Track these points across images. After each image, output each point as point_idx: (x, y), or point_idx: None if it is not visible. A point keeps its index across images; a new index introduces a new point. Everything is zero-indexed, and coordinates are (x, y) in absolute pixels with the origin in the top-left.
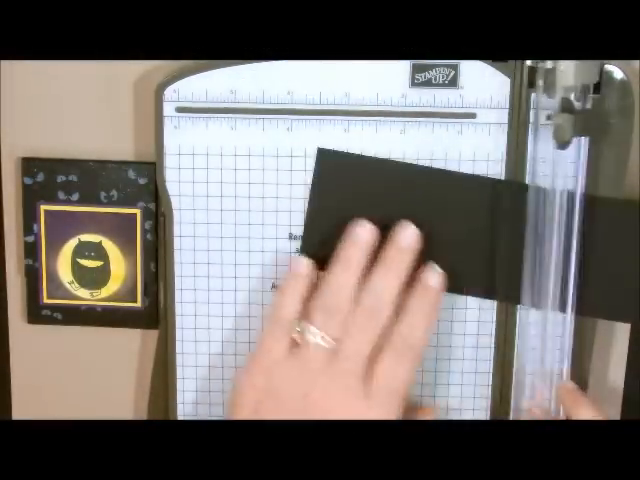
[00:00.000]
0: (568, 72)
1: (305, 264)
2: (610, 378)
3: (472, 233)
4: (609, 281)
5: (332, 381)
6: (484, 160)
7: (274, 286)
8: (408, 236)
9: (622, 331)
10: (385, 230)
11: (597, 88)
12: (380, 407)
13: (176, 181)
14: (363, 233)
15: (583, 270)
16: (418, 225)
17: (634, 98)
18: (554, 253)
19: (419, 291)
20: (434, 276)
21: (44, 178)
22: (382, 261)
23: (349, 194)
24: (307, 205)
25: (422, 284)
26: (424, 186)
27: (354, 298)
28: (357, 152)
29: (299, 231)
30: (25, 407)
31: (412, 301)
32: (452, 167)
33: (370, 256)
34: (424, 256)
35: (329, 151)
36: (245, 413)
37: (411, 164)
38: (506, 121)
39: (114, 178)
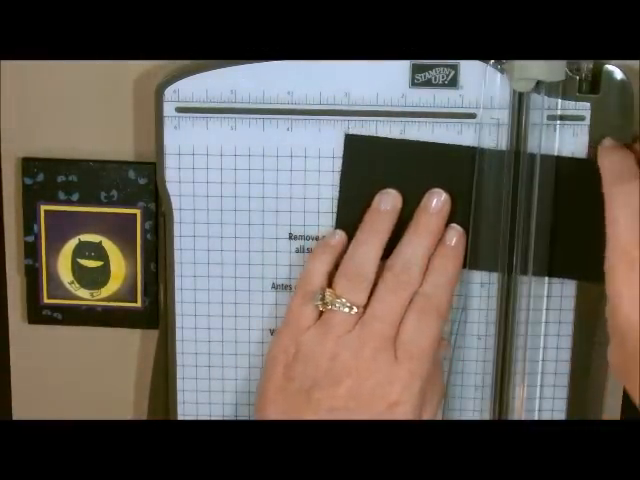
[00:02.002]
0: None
1: (337, 236)
2: (610, 378)
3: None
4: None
5: (361, 343)
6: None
7: (274, 286)
8: (438, 202)
9: None
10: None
11: (597, 88)
12: (407, 365)
13: (176, 181)
14: (387, 200)
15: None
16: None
17: (634, 98)
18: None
19: (440, 251)
20: (454, 235)
21: (44, 178)
22: (412, 226)
23: (379, 176)
24: (338, 192)
25: (443, 244)
26: (452, 163)
27: (384, 263)
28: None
29: (299, 231)
30: (25, 407)
31: (435, 261)
32: None
33: (397, 223)
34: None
35: (357, 136)
36: (278, 376)
37: (439, 143)
38: (506, 121)
39: (114, 178)
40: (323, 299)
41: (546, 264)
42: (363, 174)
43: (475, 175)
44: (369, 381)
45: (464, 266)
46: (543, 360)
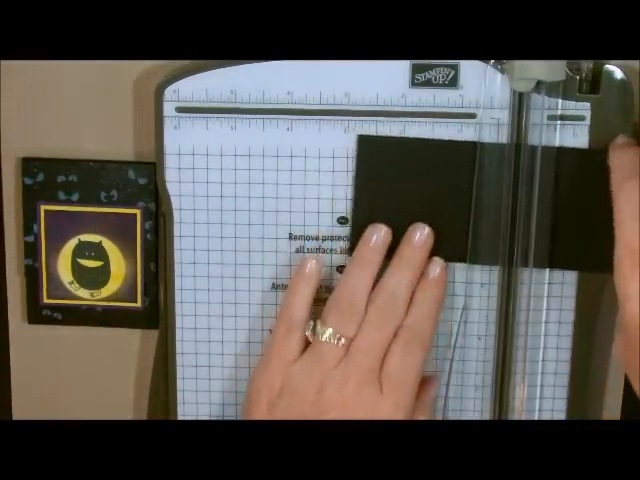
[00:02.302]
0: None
1: (314, 265)
2: (610, 378)
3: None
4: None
5: (346, 377)
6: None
7: (274, 286)
8: (422, 235)
9: None
10: (429, 208)
11: (597, 88)
12: (392, 398)
13: (176, 181)
14: (378, 234)
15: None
16: (464, 199)
17: (634, 98)
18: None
19: (423, 284)
20: (437, 268)
21: (44, 178)
22: (396, 259)
23: (392, 176)
24: (353, 191)
25: (426, 276)
26: (455, 158)
27: (368, 296)
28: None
29: (299, 231)
30: (25, 407)
31: (417, 294)
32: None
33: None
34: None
35: (369, 136)
36: (261, 412)
37: (451, 141)
38: (506, 121)
39: (114, 178)
40: (314, 329)
41: (547, 255)
42: (376, 174)
43: (476, 168)
44: (354, 414)
45: (464, 261)
46: (543, 360)
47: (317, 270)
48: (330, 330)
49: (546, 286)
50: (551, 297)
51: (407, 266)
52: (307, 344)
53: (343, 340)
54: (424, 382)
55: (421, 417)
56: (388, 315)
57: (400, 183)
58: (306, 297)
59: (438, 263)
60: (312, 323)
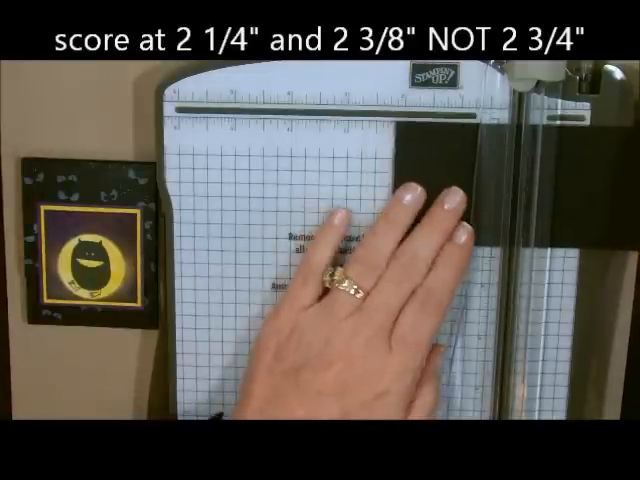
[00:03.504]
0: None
1: (342, 216)
2: (610, 378)
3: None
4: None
5: (356, 332)
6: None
7: (274, 286)
8: (455, 199)
9: (622, 330)
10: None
11: (597, 88)
12: (400, 357)
13: (176, 181)
14: (410, 194)
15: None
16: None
17: (634, 98)
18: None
19: (449, 247)
20: (464, 234)
21: (44, 178)
22: (426, 220)
23: (432, 162)
24: (392, 180)
25: (452, 241)
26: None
27: (392, 253)
28: (357, 152)
29: (299, 231)
30: (25, 407)
31: (441, 256)
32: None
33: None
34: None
35: (407, 124)
36: (268, 357)
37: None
38: (506, 121)
39: (114, 178)
40: (333, 275)
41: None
42: (415, 164)
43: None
44: (359, 369)
45: None
46: (543, 360)
47: (345, 222)
48: (349, 279)
49: (546, 286)
50: (551, 297)
51: (436, 228)
52: (323, 295)
53: (360, 293)
54: (432, 350)
55: (427, 385)
56: (409, 274)
57: (438, 171)
58: (329, 246)
59: (466, 229)
60: (332, 269)
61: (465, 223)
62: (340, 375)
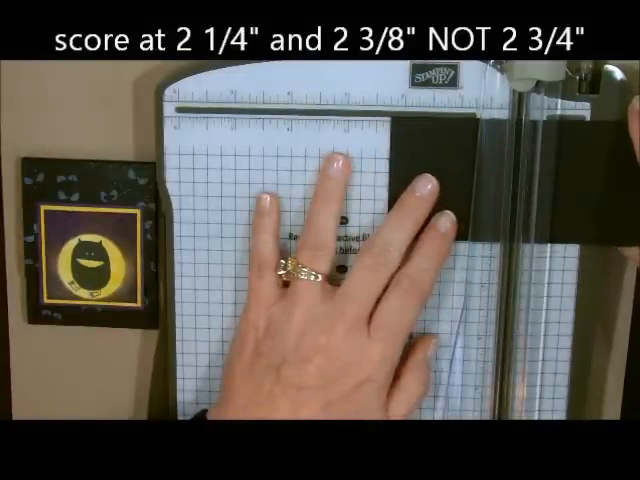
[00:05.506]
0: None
1: (270, 200)
2: (610, 378)
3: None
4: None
5: (332, 321)
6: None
7: None
8: (426, 186)
9: (622, 330)
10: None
11: (597, 88)
12: (380, 345)
13: (176, 181)
14: (336, 165)
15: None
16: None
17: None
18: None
19: (429, 234)
20: (445, 221)
21: (44, 178)
22: (397, 207)
23: (426, 156)
24: (388, 176)
25: (432, 228)
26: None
27: (364, 243)
28: (357, 152)
29: (299, 231)
30: (25, 407)
31: (422, 244)
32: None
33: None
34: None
35: (401, 119)
36: (247, 353)
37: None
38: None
39: (114, 178)
40: (285, 268)
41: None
42: (410, 158)
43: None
44: (340, 361)
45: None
46: (543, 360)
47: (274, 205)
48: (304, 269)
49: (546, 286)
50: (551, 297)
51: (407, 215)
52: (284, 284)
53: (319, 277)
54: (420, 340)
55: (416, 375)
56: (382, 263)
57: (434, 164)
58: (270, 233)
59: (449, 217)
60: (283, 262)
61: (448, 211)
62: (321, 369)
